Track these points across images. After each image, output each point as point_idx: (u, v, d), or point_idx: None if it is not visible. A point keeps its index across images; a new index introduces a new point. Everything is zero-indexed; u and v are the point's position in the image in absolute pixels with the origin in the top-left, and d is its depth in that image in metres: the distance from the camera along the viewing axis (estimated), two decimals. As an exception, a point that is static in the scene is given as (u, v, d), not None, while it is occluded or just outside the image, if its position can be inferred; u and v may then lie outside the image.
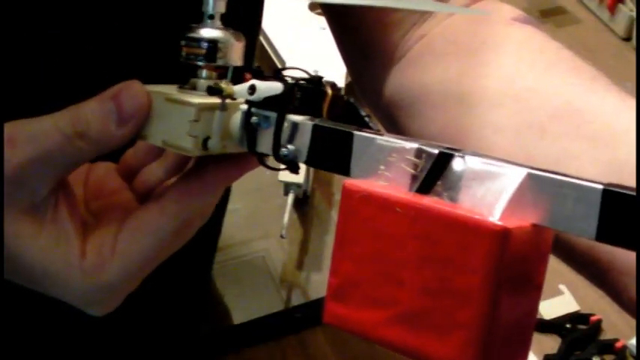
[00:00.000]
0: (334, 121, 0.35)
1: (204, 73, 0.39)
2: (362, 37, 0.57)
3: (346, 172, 0.33)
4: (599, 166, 0.43)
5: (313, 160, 0.35)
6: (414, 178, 0.30)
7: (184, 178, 0.39)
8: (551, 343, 0.79)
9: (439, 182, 0.29)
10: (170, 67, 0.39)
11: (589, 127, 0.45)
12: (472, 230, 0.27)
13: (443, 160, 0.30)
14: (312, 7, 1.08)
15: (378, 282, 0.30)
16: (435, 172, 0.30)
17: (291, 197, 0.84)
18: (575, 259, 0.46)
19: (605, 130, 0.44)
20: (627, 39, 1.17)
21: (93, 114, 0.37)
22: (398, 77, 0.56)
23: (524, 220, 0.28)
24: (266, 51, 1.07)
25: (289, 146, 0.35)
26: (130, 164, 0.43)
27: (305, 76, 0.36)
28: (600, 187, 0.27)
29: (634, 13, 1.15)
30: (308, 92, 0.36)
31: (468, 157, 0.29)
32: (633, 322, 0.46)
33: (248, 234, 0.88)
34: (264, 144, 0.36)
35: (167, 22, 0.48)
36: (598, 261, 0.44)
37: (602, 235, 0.27)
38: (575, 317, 0.81)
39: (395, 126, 0.57)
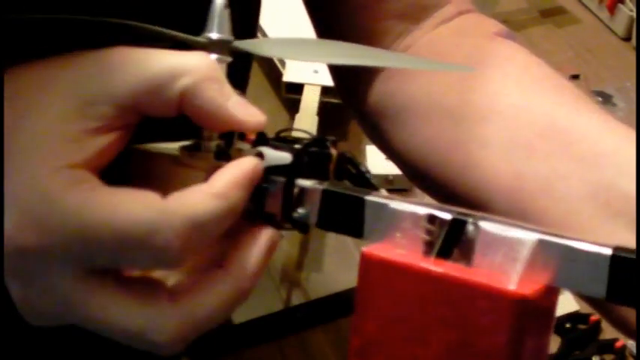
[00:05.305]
0: (340, 182, 0.36)
1: (205, 132, 0.38)
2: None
3: (359, 235, 0.34)
4: (587, 187, 0.44)
5: (325, 224, 0.35)
6: (428, 244, 0.31)
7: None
8: (551, 343, 0.79)
9: (455, 249, 0.31)
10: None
11: (576, 148, 0.45)
12: (493, 297, 0.29)
13: (457, 227, 0.31)
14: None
15: (401, 342, 0.31)
16: (450, 238, 0.31)
17: (291, 197, 0.84)
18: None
19: (591, 151, 0.45)
20: (627, 39, 1.17)
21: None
22: (383, 86, 0.56)
23: (537, 282, 0.30)
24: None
25: (300, 210, 0.35)
26: None
27: (306, 136, 0.37)
28: (609, 252, 0.28)
29: (634, 13, 1.15)
30: (314, 156, 0.36)
31: (481, 223, 0.31)
32: (633, 322, 0.46)
33: (248, 234, 0.88)
34: (272, 204, 0.36)
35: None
36: None
37: (612, 296, 0.28)
38: (574, 317, 0.81)
39: (380, 134, 0.57)
